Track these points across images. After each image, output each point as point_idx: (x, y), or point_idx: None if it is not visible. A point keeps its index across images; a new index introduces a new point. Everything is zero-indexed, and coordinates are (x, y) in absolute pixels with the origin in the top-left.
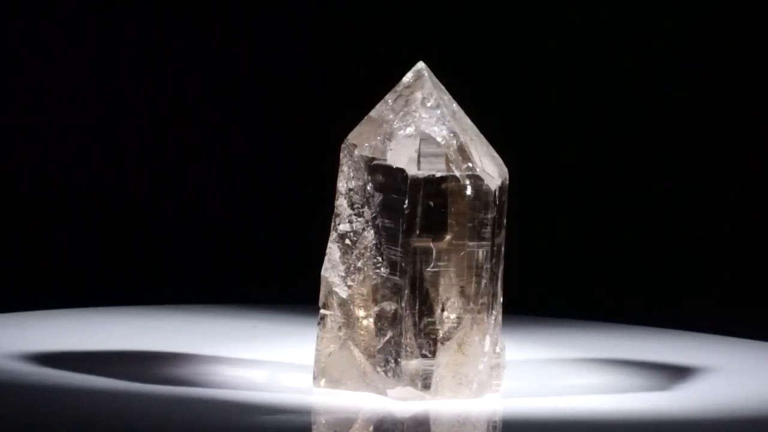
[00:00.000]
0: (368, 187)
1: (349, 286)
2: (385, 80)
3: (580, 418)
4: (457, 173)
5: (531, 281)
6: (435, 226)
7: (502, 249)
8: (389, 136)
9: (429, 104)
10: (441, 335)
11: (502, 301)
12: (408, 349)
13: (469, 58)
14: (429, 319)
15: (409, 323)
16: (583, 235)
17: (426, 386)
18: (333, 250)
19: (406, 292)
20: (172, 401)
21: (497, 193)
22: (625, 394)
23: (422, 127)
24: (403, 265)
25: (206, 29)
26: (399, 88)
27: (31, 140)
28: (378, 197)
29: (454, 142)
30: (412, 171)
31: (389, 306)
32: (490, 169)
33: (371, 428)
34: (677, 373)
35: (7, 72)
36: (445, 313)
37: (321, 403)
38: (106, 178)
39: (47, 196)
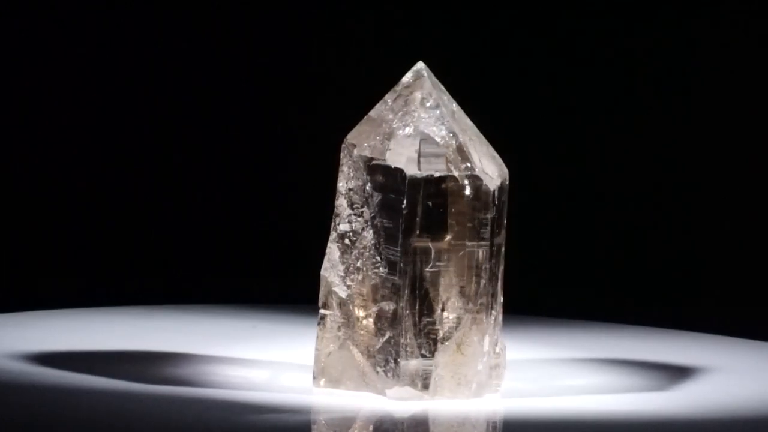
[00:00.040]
0: (367, 187)
1: (349, 286)
2: (385, 80)
3: (580, 418)
4: (456, 173)
5: (531, 281)
6: (435, 226)
7: (503, 249)
8: (388, 136)
9: (428, 104)
10: (441, 335)
11: (502, 301)
12: (408, 349)
13: (469, 58)
14: (429, 319)
15: (408, 323)
16: (583, 235)
17: (425, 386)
18: (333, 250)
19: (406, 292)
20: (172, 401)
21: (496, 193)
22: (625, 394)
23: (421, 127)
24: (401, 265)
25: (206, 29)
26: (398, 88)
27: (31, 140)
28: (377, 197)
29: (453, 142)
30: (410, 171)
31: (388, 306)
32: (490, 170)
33: (370, 428)
34: (677, 373)
35: (7, 72)
36: (445, 313)
37: (321, 403)
38: (106, 178)
39: (47, 196)
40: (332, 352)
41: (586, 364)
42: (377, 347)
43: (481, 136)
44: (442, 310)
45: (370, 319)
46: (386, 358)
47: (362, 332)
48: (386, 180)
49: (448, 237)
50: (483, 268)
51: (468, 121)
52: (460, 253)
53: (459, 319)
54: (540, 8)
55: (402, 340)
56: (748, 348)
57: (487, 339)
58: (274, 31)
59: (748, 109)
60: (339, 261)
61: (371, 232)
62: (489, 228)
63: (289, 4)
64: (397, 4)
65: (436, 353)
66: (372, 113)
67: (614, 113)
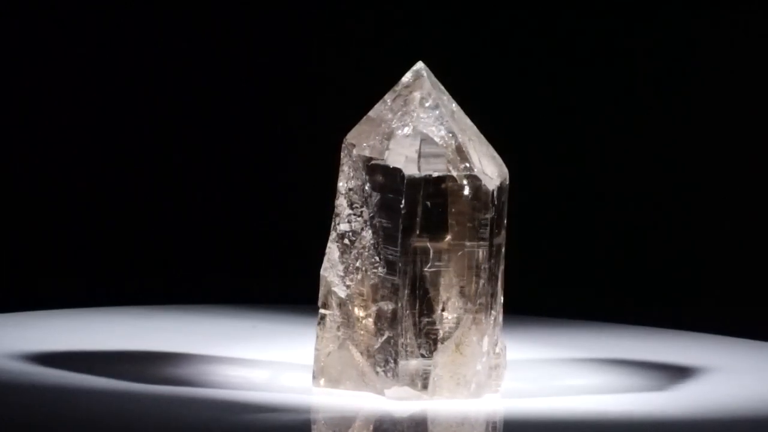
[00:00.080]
0: (366, 187)
1: (348, 286)
2: (385, 80)
3: (580, 418)
4: (455, 173)
5: (531, 281)
6: (435, 226)
7: (503, 249)
8: (388, 136)
9: (427, 104)
10: (441, 335)
11: (502, 301)
12: (408, 348)
13: (469, 58)
14: (428, 319)
15: (409, 323)
16: (583, 235)
17: (425, 386)
18: (332, 250)
19: (406, 292)
20: (172, 401)
21: (496, 193)
22: (625, 394)
23: (420, 127)
24: (400, 265)
25: (206, 29)
26: (398, 88)
27: (31, 140)
28: (376, 197)
29: (453, 142)
30: (408, 171)
31: (386, 306)
32: (490, 170)
33: (369, 428)
34: (677, 373)
35: (7, 72)
36: (445, 313)
37: (320, 403)
38: (106, 178)
39: (47, 196)
40: (332, 352)
41: (586, 364)
42: (376, 347)
43: (481, 136)
44: (443, 310)
45: (370, 319)
46: (386, 358)
47: (362, 332)
48: (385, 180)
49: (448, 237)
50: (482, 268)
51: (468, 121)
52: (459, 253)
53: (459, 320)
54: (540, 8)
55: (402, 340)
56: (748, 348)
57: (486, 339)
58: (274, 31)
59: (748, 109)
60: (338, 261)
61: (370, 232)
62: (488, 228)
63: (289, 4)
64: (397, 4)
65: (434, 353)
66: (371, 113)
67: (614, 113)
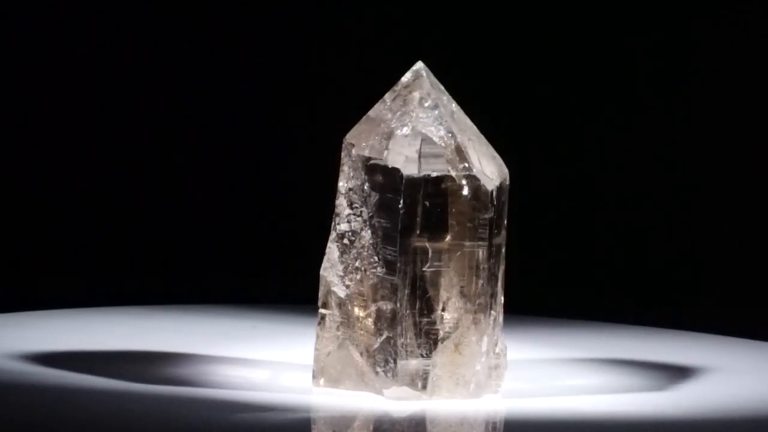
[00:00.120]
0: (366, 187)
1: (347, 286)
2: (385, 80)
3: (580, 418)
4: (453, 173)
5: (531, 281)
6: (435, 226)
7: (503, 249)
8: (387, 136)
9: (426, 104)
10: (441, 335)
11: (503, 301)
12: (408, 348)
13: (469, 58)
14: (429, 319)
15: (409, 323)
16: (583, 235)
17: (425, 386)
18: (332, 250)
19: (406, 292)
20: (172, 401)
21: (495, 193)
22: (625, 394)
23: (419, 127)
24: (399, 265)
25: (206, 29)
26: (398, 87)
27: (31, 140)
28: (374, 197)
29: (452, 142)
30: (407, 171)
31: (385, 306)
32: (489, 170)
33: (368, 428)
34: (677, 373)
35: (7, 72)
36: (446, 314)
37: (320, 403)
38: (106, 178)
39: (47, 196)
40: (331, 351)
41: (586, 364)
42: (375, 347)
43: (481, 136)
44: (443, 310)
45: (369, 319)
46: (385, 358)
47: (361, 332)
48: (384, 180)
49: (448, 237)
50: (482, 268)
51: (468, 121)
52: (459, 253)
53: (458, 320)
54: (540, 8)
55: (401, 340)
56: (748, 348)
57: (485, 339)
58: (274, 31)
59: (748, 109)
60: (338, 261)
61: (369, 231)
62: (487, 228)
63: (289, 4)
64: (397, 4)
65: (433, 353)
66: (371, 113)
67: (614, 113)
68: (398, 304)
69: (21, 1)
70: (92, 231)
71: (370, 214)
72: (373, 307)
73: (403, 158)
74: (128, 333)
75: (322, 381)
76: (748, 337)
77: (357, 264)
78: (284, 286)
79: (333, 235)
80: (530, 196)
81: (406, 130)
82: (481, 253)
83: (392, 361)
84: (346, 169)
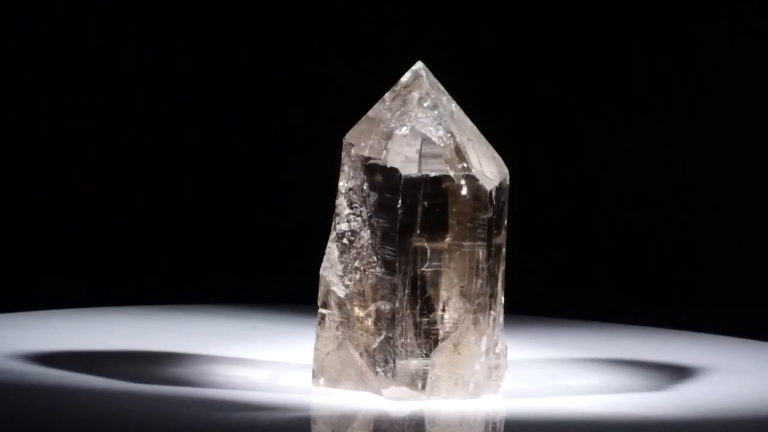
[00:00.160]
0: (365, 187)
1: (347, 286)
2: (385, 80)
3: (580, 418)
4: (452, 173)
5: (531, 281)
6: (434, 226)
7: (503, 250)
8: (386, 136)
9: (426, 104)
10: (441, 335)
11: (503, 301)
12: (408, 348)
13: (469, 58)
14: (428, 319)
15: (409, 323)
16: (583, 235)
17: (423, 386)
18: (332, 250)
19: (406, 291)
20: (172, 401)
21: (494, 193)
22: (625, 394)
23: (418, 127)
24: (397, 264)
25: (206, 29)
26: (397, 87)
27: (31, 140)
28: (373, 197)
29: (451, 142)
30: (406, 171)
31: (384, 305)
32: (489, 170)
33: (368, 428)
34: (677, 373)
35: (7, 72)
36: (446, 314)
37: (320, 403)
38: (106, 178)
39: (47, 196)
40: (331, 351)
41: (586, 364)
42: (375, 347)
43: (481, 136)
44: (443, 310)
45: (369, 319)
46: (385, 358)
47: (361, 332)
48: (383, 180)
49: (448, 237)
50: (481, 268)
51: (468, 121)
52: (458, 253)
53: (458, 320)
54: (540, 8)
55: (401, 340)
56: (748, 348)
57: (485, 339)
58: (274, 31)
59: (748, 109)
60: (338, 260)
61: (368, 231)
62: (487, 228)
63: (289, 4)
64: (397, 4)
65: (432, 353)
66: (371, 113)
67: (614, 113)
68: (398, 304)
69: (21, 1)
70: (92, 231)
71: (370, 214)
72: (372, 307)
73: (402, 158)
74: (128, 333)
75: (321, 381)
76: (748, 337)
77: (356, 264)
78: (284, 286)
79: (333, 234)
80: (530, 196)
81: (405, 130)
82: (480, 253)
83: (392, 361)
84: (345, 168)
